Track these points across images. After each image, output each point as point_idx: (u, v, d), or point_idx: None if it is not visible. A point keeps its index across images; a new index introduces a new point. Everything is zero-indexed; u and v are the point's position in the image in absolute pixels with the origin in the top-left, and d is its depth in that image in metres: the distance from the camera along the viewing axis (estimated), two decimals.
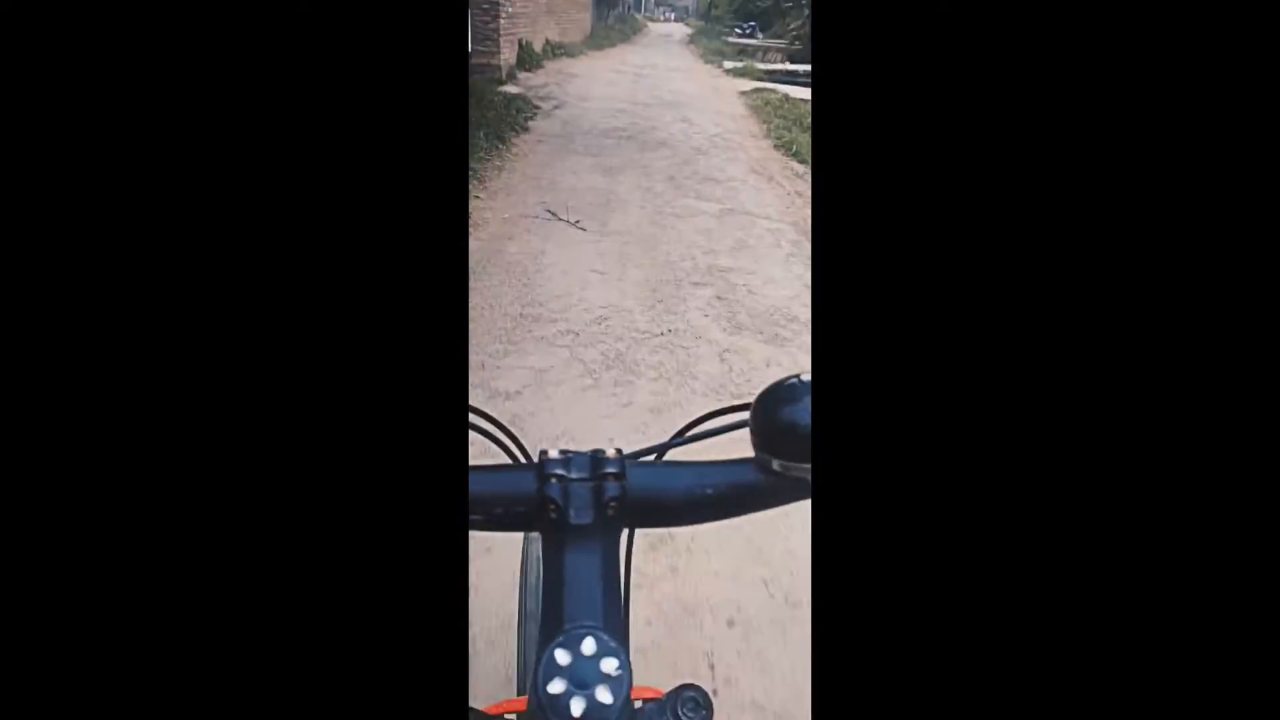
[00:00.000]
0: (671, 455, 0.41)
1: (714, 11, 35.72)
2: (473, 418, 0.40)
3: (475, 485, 0.34)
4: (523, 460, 0.45)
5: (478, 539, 0.36)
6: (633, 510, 0.35)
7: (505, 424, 0.44)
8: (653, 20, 43.14)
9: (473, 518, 0.34)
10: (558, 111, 7.10)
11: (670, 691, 0.32)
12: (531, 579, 0.70)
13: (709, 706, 0.31)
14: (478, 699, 0.37)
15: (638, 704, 0.31)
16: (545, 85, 8.69)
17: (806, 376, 0.35)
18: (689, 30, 33.50)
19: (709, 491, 0.36)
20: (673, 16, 58.01)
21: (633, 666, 0.30)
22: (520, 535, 0.67)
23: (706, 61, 16.62)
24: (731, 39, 26.15)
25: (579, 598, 0.32)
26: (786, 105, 8.24)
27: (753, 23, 32.11)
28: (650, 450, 0.41)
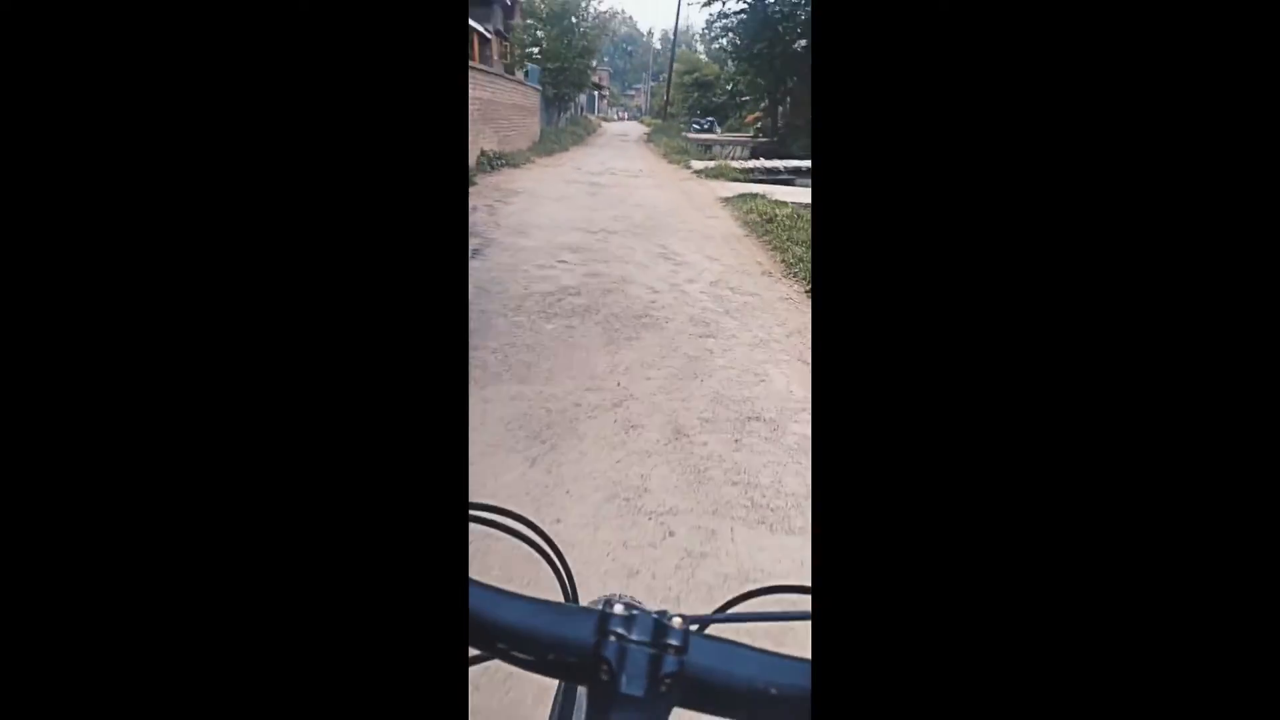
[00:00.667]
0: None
1: (669, 109, 35.20)
2: (513, 524, 0.44)
3: (530, 621, 0.33)
4: (559, 567, 0.48)
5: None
6: (687, 690, 0.33)
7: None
8: (606, 120, 42.71)
9: (523, 656, 0.33)
10: (475, 263, 4.41)
11: None
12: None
13: None
14: None
15: None
16: (473, 211, 6.41)
17: None
18: (645, 128, 32.72)
19: (772, 691, 0.32)
20: (626, 115, 58.49)
21: None
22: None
23: (670, 161, 14.98)
24: (691, 134, 25.12)
25: None
26: (797, 222, 6.05)
27: (710, 118, 31.68)
28: (715, 617, 0.40)
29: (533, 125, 15.38)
